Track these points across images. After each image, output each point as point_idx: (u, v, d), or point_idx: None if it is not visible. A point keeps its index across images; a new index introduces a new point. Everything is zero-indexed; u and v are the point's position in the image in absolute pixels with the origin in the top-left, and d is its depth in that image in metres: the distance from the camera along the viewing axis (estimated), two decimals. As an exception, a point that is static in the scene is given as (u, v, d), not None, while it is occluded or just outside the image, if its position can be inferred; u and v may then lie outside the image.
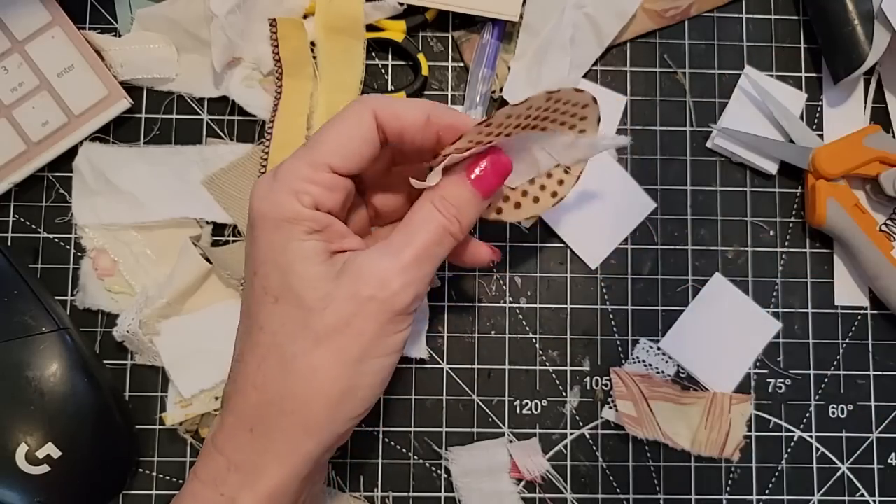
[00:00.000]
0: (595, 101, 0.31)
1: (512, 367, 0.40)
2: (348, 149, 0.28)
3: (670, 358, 0.40)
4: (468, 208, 0.29)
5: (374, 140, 0.28)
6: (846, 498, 0.39)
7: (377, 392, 0.28)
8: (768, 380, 0.40)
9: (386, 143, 0.29)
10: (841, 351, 0.40)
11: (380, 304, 0.27)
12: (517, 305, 0.40)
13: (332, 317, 0.26)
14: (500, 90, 0.40)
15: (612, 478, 0.39)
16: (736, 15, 0.42)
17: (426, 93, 0.41)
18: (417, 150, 0.29)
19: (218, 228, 0.39)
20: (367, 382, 0.27)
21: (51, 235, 0.39)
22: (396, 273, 0.27)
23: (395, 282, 0.27)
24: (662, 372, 0.39)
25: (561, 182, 0.33)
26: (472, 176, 0.29)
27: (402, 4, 0.39)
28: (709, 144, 0.41)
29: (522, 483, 0.39)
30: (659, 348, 0.40)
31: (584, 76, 0.41)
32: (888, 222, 0.40)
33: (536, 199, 0.33)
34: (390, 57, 0.41)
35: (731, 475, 0.39)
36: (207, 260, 0.39)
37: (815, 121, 0.41)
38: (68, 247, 0.39)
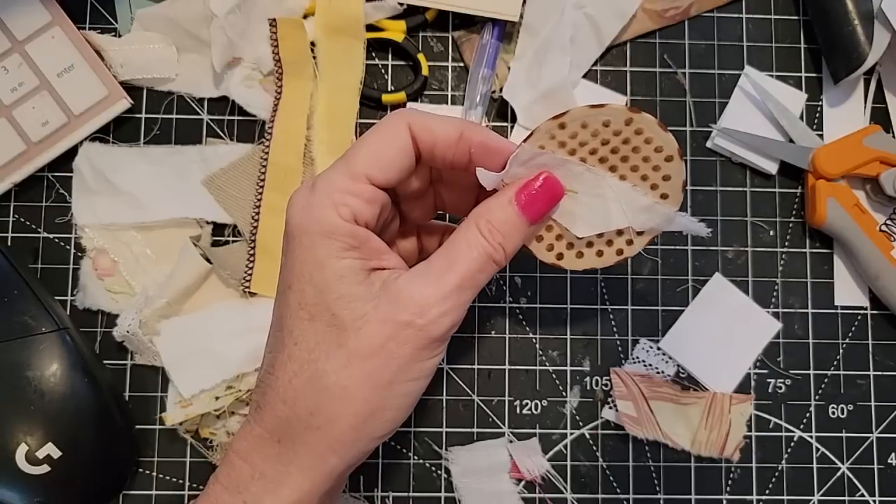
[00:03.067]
0: (682, 156, 0.30)
1: (512, 367, 0.40)
2: (386, 159, 0.27)
3: (670, 358, 0.40)
4: (514, 234, 0.28)
5: (410, 152, 0.28)
6: (846, 498, 0.39)
7: (405, 414, 0.28)
8: (768, 380, 0.40)
9: (420, 158, 0.29)
10: (841, 351, 0.40)
11: (416, 331, 0.26)
12: (517, 305, 0.40)
13: (366, 338, 0.26)
14: (500, 90, 0.40)
15: (612, 478, 0.39)
16: (736, 15, 0.42)
17: (426, 93, 0.41)
18: (449, 166, 0.29)
19: (218, 228, 0.39)
20: (396, 404, 0.27)
21: (51, 235, 0.39)
22: (436, 300, 0.27)
23: (434, 309, 0.26)
24: (662, 372, 0.39)
25: (630, 242, 0.31)
26: (522, 199, 0.28)
27: (402, 4, 0.39)
28: (709, 144, 0.41)
29: (522, 483, 0.39)
30: (659, 348, 0.40)
31: (584, 76, 0.41)
32: (888, 222, 0.40)
33: (600, 253, 0.31)
34: (390, 57, 0.41)
35: (731, 475, 0.39)
36: (207, 260, 0.39)
37: (815, 121, 0.41)
38: (68, 247, 0.39)
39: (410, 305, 0.26)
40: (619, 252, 0.31)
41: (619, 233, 0.30)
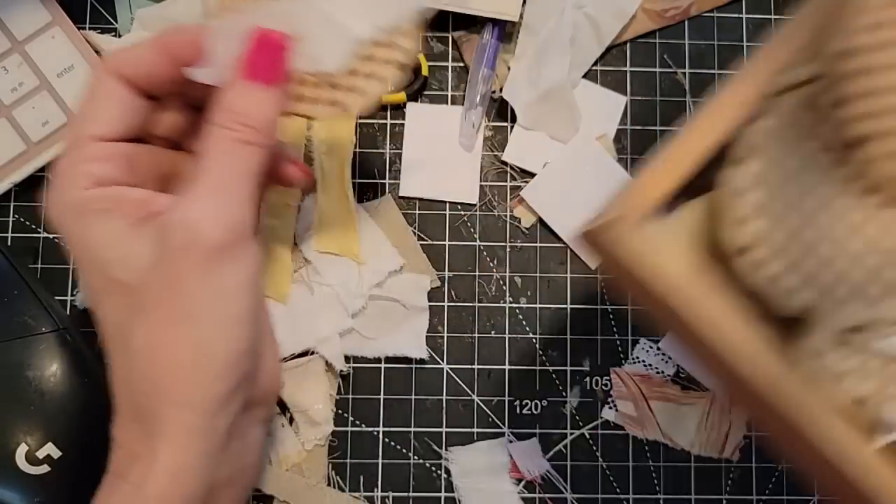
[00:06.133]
0: None
1: (512, 367, 0.39)
2: (105, 113, 0.27)
3: (670, 358, 0.39)
4: (256, 106, 0.26)
5: (129, 95, 0.27)
6: (846, 498, 0.39)
7: (241, 338, 0.26)
8: (768, 380, 0.40)
9: (152, 92, 0.28)
10: (841, 351, 0.40)
11: (189, 248, 0.25)
12: (517, 305, 0.40)
13: (153, 288, 0.25)
14: (500, 90, 0.40)
15: (612, 478, 0.39)
16: (736, 15, 0.42)
17: (426, 93, 0.41)
18: (185, 85, 0.28)
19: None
20: (218, 336, 0.26)
21: (51, 235, 0.39)
22: (197, 208, 0.25)
23: (198, 218, 0.25)
24: (662, 372, 0.39)
25: (388, 62, 0.27)
26: (246, 70, 0.26)
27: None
28: (709, 144, 0.41)
29: (522, 483, 0.39)
30: (659, 348, 0.40)
31: (585, 76, 0.41)
32: None
33: (377, 79, 0.28)
34: (390, 57, 0.41)
35: (731, 475, 0.39)
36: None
37: (815, 121, 0.41)
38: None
39: (176, 230, 0.25)
40: (396, 64, 0.28)
41: (379, 49, 0.27)
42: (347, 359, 0.39)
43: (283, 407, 0.38)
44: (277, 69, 0.26)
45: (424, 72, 0.40)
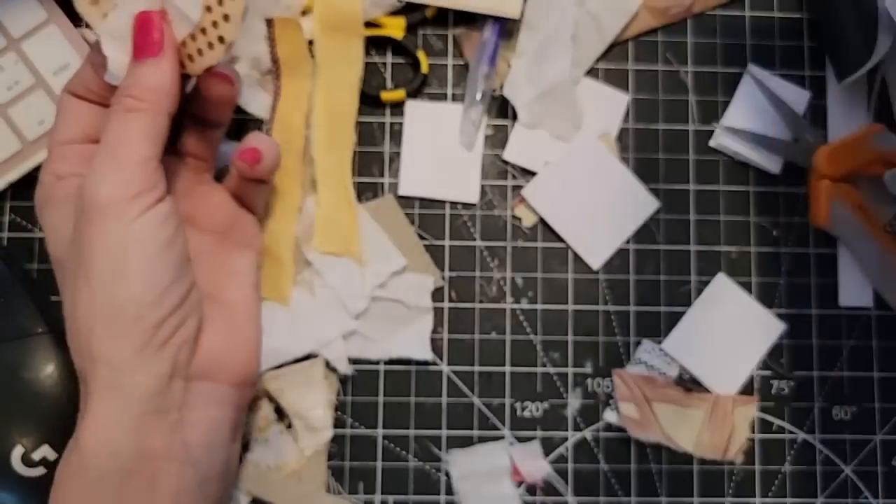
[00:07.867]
0: None
1: (513, 368, 0.39)
2: (62, 123, 0.31)
3: (673, 359, 0.39)
4: (138, 78, 0.29)
5: (78, 106, 0.31)
6: (850, 500, 0.39)
7: (140, 289, 0.28)
8: (772, 381, 0.39)
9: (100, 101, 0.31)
10: (845, 352, 0.40)
11: (84, 211, 0.28)
12: (518, 306, 0.39)
13: (71, 255, 0.29)
14: (501, 88, 0.40)
15: (613, 480, 0.39)
16: (738, 13, 0.41)
17: (426, 90, 0.40)
18: None
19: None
20: (115, 290, 0.27)
21: (47, 235, 0.39)
22: (90, 174, 0.28)
23: (89, 182, 0.28)
24: (665, 374, 0.39)
25: (218, 23, 0.29)
26: (133, 52, 0.29)
27: (401, 1, 0.39)
28: (712, 143, 0.41)
29: (523, 486, 0.38)
30: (661, 349, 0.39)
31: (586, 74, 0.40)
32: (893, 222, 0.40)
33: (200, 52, 0.30)
34: (390, 54, 0.41)
35: (734, 478, 0.39)
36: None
37: (819, 120, 0.41)
38: (64, 247, 0.39)
39: (79, 196, 0.28)
40: (221, 39, 0.30)
41: (213, 25, 0.29)
42: (349, 361, 0.38)
43: (281, 413, 0.38)
44: (157, 41, 0.29)
45: (424, 69, 0.40)
